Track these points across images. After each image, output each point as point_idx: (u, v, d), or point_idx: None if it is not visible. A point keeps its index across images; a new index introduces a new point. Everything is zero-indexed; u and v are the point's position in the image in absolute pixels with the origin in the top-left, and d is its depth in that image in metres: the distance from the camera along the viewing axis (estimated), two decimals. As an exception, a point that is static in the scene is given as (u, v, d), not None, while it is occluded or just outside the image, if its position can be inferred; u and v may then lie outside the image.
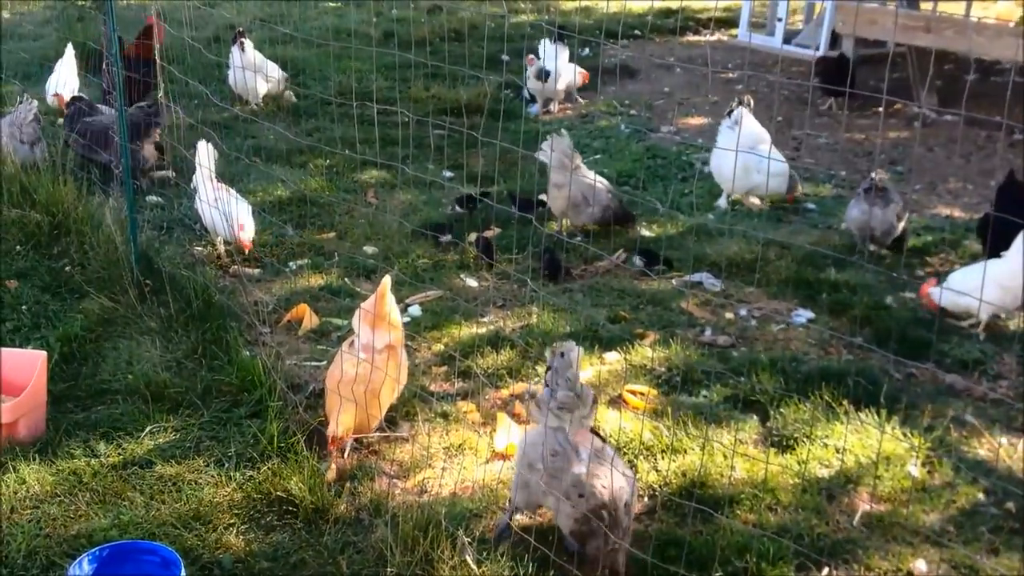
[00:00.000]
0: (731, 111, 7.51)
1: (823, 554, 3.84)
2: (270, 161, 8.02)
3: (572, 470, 3.71)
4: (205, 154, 6.23)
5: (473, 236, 6.76)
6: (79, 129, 7.53)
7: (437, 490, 4.31)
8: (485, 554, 3.74)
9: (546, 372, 3.98)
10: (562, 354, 3.93)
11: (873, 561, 3.92)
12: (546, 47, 9.91)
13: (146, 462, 4.41)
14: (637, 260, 6.55)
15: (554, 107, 10.10)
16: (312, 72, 10.63)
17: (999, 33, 9.12)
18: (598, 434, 3.97)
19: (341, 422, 4.39)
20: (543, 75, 9.76)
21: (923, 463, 4.49)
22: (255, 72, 9.16)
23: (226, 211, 6.02)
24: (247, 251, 6.33)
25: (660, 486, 4.30)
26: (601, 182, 6.99)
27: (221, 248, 6.47)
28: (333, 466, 4.41)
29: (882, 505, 4.25)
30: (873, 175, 6.71)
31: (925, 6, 10.99)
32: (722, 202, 7.61)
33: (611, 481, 3.66)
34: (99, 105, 7.83)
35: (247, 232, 6.21)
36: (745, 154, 6.89)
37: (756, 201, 7.61)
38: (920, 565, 3.90)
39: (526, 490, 3.88)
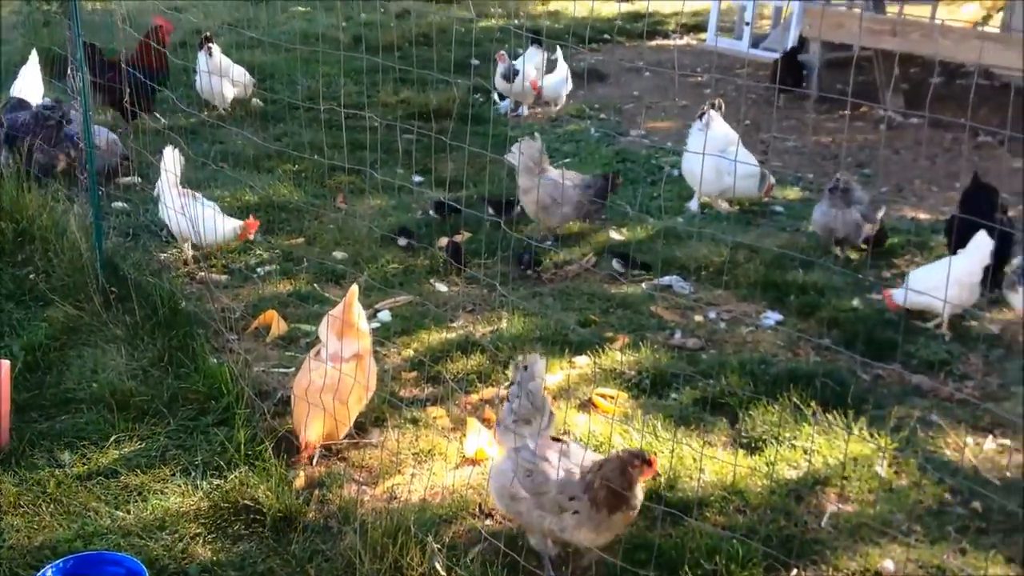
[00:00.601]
0: (702, 114, 7.55)
1: (792, 555, 3.85)
2: (238, 166, 7.97)
3: (551, 478, 3.68)
4: (171, 160, 6.18)
5: (443, 241, 6.74)
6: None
7: (407, 496, 4.28)
8: (455, 560, 3.72)
9: (509, 386, 3.92)
10: (526, 367, 3.91)
11: (841, 561, 3.94)
12: (529, 53, 9.91)
13: (111, 472, 4.36)
14: (615, 263, 6.56)
15: (524, 110, 10.10)
16: (280, 77, 10.58)
17: (964, 36, 9.22)
18: (558, 439, 3.95)
19: (312, 428, 4.36)
20: (511, 74, 9.76)
21: (890, 463, 4.52)
22: (221, 77, 9.10)
23: (192, 216, 5.97)
24: (252, 233, 6.42)
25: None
26: (570, 180, 6.96)
27: (188, 254, 6.42)
28: (301, 473, 4.38)
29: (850, 506, 4.27)
30: (837, 176, 6.77)
31: (891, 9, 11.09)
32: (693, 205, 7.64)
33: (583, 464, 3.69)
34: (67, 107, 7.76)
35: (248, 223, 6.37)
36: (716, 157, 6.92)
37: (725, 204, 7.65)
38: (888, 565, 3.92)
39: (527, 522, 3.80)
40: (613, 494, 3.59)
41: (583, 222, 7.03)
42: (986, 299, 5.99)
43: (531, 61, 9.90)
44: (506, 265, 6.43)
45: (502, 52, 9.89)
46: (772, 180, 7.54)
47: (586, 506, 3.62)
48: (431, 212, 7.30)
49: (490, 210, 7.20)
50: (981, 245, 5.75)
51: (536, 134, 7.13)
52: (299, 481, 4.33)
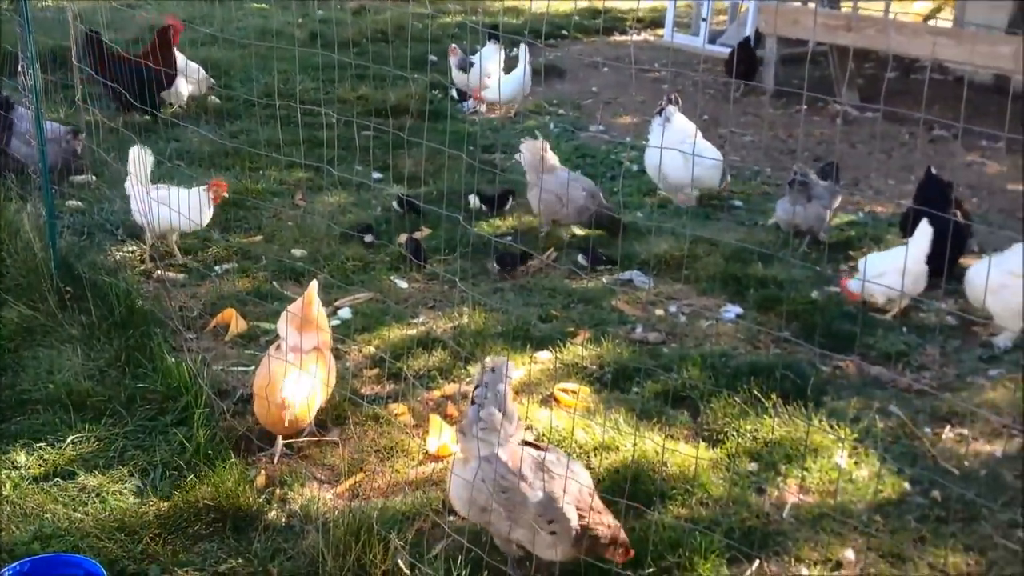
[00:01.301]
0: (661, 110, 7.58)
1: (754, 547, 3.87)
2: (195, 164, 7.88)
3: (529, 499, 3.52)
4: (138, 160, 6.09)
5: (403, 237, 6.71)
6: None
7: (369, 494, 4.26)
8: (418, 557, 3.70)
9: (474, 389, 3.72)
10: (493, 369, 3.72)
11: (803, 552, 3.96)
12: (486, 50, 9.89)
13: (68, 473, 4.30)
14: (579, 258, 6.55)
15: (483, 107, 10.08)
16: (237, 74, 10.49)
17: (917, 32, 9.33)
18: (529, 443, 3.77)
19: (285, 393, 4.30)
20: (467, 65, 9.74)
21: (850, 454, 4.56)
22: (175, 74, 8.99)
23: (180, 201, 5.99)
24: (224, 192, 6.45)
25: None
26: (582, 183, 6.90)
27: (148, 245, 6.35)
28: (263, 472, 4.35)
29: (810, 497, 4.30)
30: (795, 170, 6.83)
31: (846, 5, 11.20)
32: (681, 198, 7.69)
33: (566, 487, 3.53)
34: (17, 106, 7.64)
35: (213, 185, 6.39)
36: (678, 149, 6.94)
37: (684, 197, 7.67)
38: (848, 555, 3.95)
39: (495, 531, 3.65)
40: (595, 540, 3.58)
41: (589, 227, 6.95)
42: (942, 291, 6.07)
43: (489, 59, 9.87)
44: (466, 261, 6.41)
45: (454, 46, 9.86)
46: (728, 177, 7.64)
47: (566, 532, 3.53)
48: (395, 205, 7.27)
49: (482, 205, 7.23)
50: (924, 233, 5.89)
51: (537, 132, 7.12)
52: (260, 480, 4.29)
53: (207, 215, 6.34)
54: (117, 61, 8.12)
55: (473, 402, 3.66)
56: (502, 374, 3.67)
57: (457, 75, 9.89)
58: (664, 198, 7.83)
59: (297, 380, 4.33)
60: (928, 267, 5.88)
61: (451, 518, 4.05)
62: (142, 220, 6.19)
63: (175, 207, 5.89)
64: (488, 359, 3.77)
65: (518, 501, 3.52)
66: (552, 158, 6.99)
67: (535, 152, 6.89)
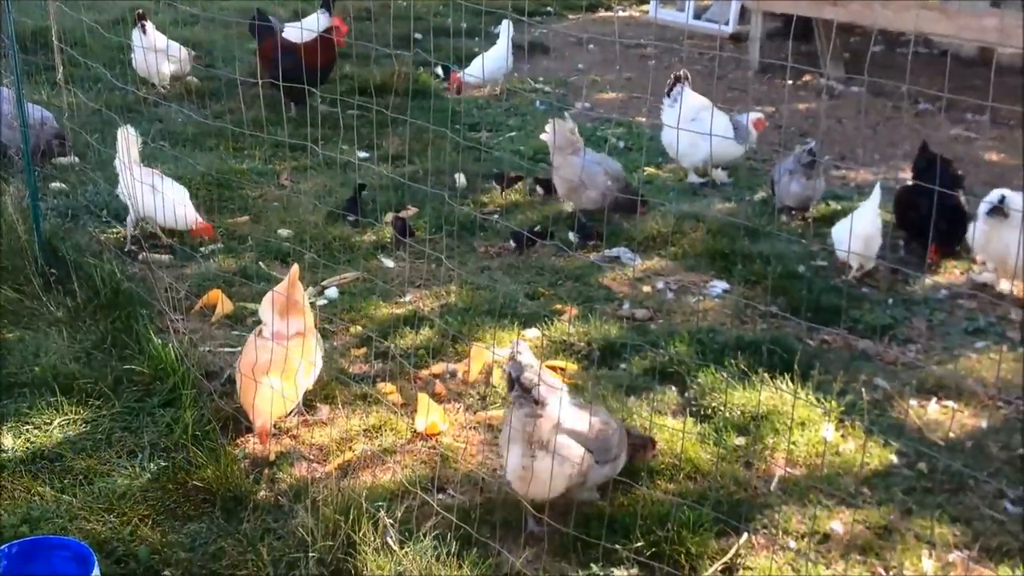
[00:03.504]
0: (670, 89, 7.58)
1: (742, 520, 3.88)
2: (179, 145, 7.84)
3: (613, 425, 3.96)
4: (127, 140, 6.04)
5: (389, 216, 6.69)
6: None
7: (358, 473, 4.26)
8: (407, 535, 3.71)
9: (509, 389, 3.78)
10: (516, 359, 3.77)
11: (790, 524, 3.99)
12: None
13: (56, 455, 4.29)
14: (571, 235, 6.54)
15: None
16: (220, 53, 10.40)
17: (902, 6, 9.29)
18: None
19: (259, 412, 4.29)
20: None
21: (837, 428, 4.58)
22: (156, 53, 8.91)
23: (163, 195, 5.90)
24: (206, 236, 6.33)
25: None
26: (606, 166, 6.79)
27: (135, 232, 6.31)
28: (251, 451, 4.34)
29: (798, 470, 4.33)
30: (810, 148, 6.80)
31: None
32: (693, 177, 7.65)
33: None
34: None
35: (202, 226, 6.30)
36: (687, 129, 6.89)
37: (721, 173, 7.63)
38: (836, 526, 3.98)
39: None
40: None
41: (613, 213, 6.72)
42: (930, 265, 6.10)
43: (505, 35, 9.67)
44: (451, 238, 6.39)
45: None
46: (760, 116, 7.58)
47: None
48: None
49: (494, 183, 7.28)
50: (875, 196, 6.07)
51: (566, 114, 7.06)
52: (248, 461, 4.28)
53: (189, 222, 6.25)
54: (286, 51, 8.12)
55: (512, 404, 3.81)
56: (526, 360, 3.76)
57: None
58: (651, 174, 7.81)
59: (271, 396, 4.29)
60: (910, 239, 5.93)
61: (440, 496, 4.06)
62: (127, 200, 6.16)
63: (160, 203, 5.84)
64: (511, 353, 3.80)
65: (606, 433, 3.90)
66: (576, 140, 6.88)
67: (561, 132, 6.78)
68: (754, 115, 7.55)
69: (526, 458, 3.73)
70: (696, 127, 6.99)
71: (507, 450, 3.83)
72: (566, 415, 3.77)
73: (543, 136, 7.02)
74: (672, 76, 7.67)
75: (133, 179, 5.86)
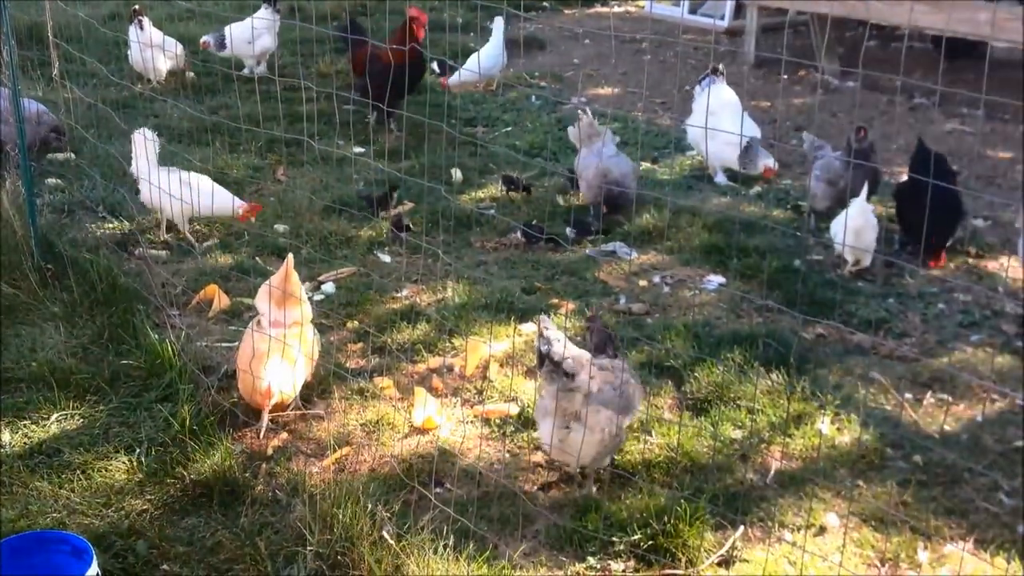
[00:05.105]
0: (703, 78, 7.58)
1: (738, 513, 3.90)
2: (175, 140, 7.82)
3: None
4: (146, 143, 6.06)
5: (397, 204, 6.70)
6: None
7: (355, 467, 4.28)
8: (405, 528, 3.72)
9: (539, 364, 3.93)
10: (544, 334, 3.92)
11: (787, 517, 4.00)
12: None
13: (53, 450, 4.30)
14: (568, 231, 6.54)
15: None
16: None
17: (896, -1, 9.30)
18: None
19: (265, 375, 4.31)
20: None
21: (832, 420, 4.59)
22: (152, 49, 8.90)
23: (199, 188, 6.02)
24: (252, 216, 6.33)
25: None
26: (616, 164, 6.70)
27: (185, 228, 6.35)
28: (249, 446, 4.35)
29: (794, 463, 4.34)
30: (866, 138, 6.62)
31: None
32: (720, 178, 7.57)
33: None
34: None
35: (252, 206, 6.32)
36: (696, 126, 6.87)
37: (721, 177, 7.57)
38: (832, 519, 3.99)
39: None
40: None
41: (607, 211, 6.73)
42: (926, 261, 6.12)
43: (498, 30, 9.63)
44: (448, 233, 6.40)
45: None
46: (772, 164, 7.29)
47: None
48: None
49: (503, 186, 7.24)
50: (864, 191, 6.07)
51: (587, 109, 7.06)
52: (246, 455, 4.29)
53: (237, 208, 6.21)
54: (375, 60, 8.00)
55: (544, 379, 3.94)
56: (554, 334, 3.92)
57: None
58: (648, 168, 7.82)
59: (279, 363, 4.33)
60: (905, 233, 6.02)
61: (438, 490, 4.08)
62: (152, 204, 6.24)
63: (204, 198, 5.97)
64: (537, 328, 4.00)
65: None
66: (594, 134, 6.86)
67: (586, 129, 6.83)
68: (769, 161, 7.27)
69: (561, 430, 3.86)
70: (713, 122, 6.91)
71: (541, 423, 3.96)
72: (594, 382, 3.90)
73: (569, 130, 7.09)
74: (711, 67, 7.68)
75: (166, 181, 5.85)
